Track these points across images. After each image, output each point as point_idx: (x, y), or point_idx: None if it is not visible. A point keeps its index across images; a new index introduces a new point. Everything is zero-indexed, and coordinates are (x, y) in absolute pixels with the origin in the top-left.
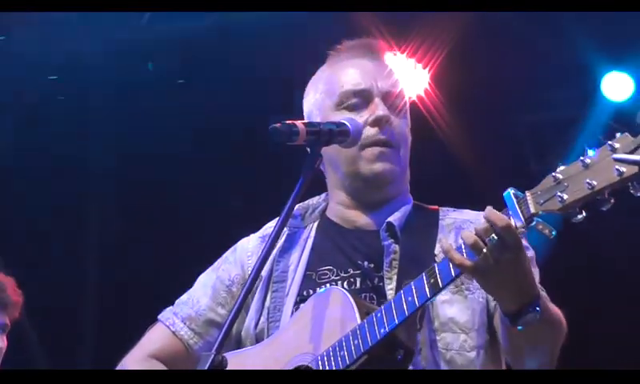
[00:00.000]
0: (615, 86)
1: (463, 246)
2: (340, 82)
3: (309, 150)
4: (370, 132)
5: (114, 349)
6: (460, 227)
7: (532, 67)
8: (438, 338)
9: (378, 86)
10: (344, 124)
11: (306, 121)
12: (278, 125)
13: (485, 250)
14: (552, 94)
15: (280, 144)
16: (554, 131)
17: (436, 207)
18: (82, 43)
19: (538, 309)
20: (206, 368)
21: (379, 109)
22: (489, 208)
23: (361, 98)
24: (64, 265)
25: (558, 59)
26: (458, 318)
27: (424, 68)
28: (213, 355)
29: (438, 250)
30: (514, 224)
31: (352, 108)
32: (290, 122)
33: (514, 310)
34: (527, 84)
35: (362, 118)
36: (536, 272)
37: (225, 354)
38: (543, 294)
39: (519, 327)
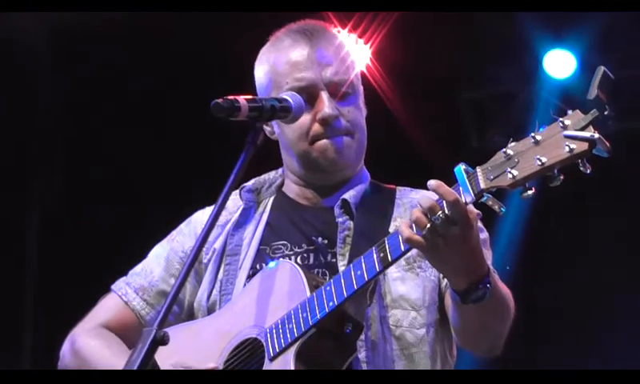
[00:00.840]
0: (558, 64)
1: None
2: (285, 77)
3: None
4: (318, 129)
5: (57, 324)
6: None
7: (474, 43)
8: (388, 314)
9: (323, 78)
10: (286, 100)
11: (249, 96)
12: (220, 100)
13: (429, 225)
14: (494, 70)
15: (223, 119)
16: (495, 107)
17: (393, 186)
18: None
19: (488, 286)
20: (147, 344)
21: (326, 106)
22: (438, 182)
23: (306, 94)
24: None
25: (500, 35)
26: (409, 295)
27: (365, 43)
28: (154, 330)
29: (392, 228)
30: (463, 199)
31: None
32: (232, 97)
33: (464, 288)
34: (468, 60)
35: (309, 113)
36: (488, 255)
37: (175, 326)
38: (494, 274)
39: (469, 304)
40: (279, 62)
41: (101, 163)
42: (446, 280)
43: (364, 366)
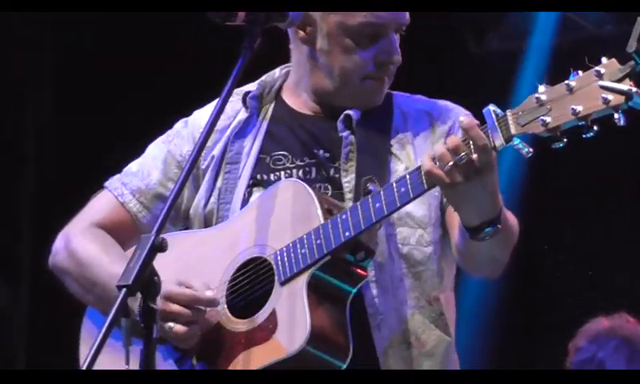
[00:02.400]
0: None
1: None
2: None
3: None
4: (375, 69)
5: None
6: (418, 118)
7: None
8: (395, 232)
9: (396, 21)
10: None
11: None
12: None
13: (451, 163)
14: None
15: (219, 24)
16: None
17: (389, 91)
18: None
19: (499, 226)
20: (146, 251)
21: (397, 52)
22: (471, 122)
23: (376, 31)
24: None
25: None
26: (415, 213)
27: None
28: (153, 237)
29: (393, 140)
30: (492, 143)
31: (364, 41)
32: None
33: (475, 226)
34: None
35: (369, 49)
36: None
37: (174, 233)
38: (504, 211)
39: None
40: None
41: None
42: None
43: (372, 286)
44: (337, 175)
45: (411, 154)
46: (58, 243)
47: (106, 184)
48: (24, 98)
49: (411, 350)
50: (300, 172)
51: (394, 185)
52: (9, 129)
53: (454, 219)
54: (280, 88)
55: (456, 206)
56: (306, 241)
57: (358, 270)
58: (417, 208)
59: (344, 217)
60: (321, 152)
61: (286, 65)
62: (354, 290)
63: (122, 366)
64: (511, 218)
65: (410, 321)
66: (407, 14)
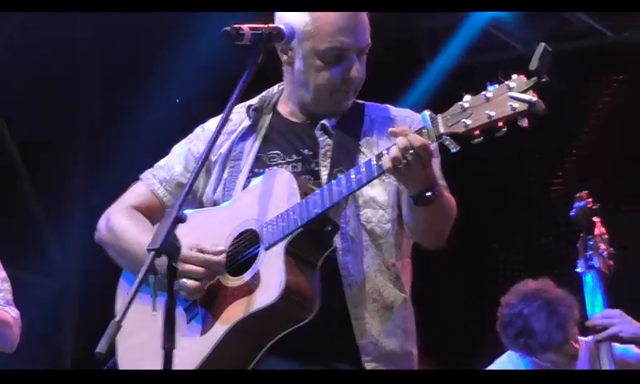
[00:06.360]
0: None
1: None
2: (328, 36)
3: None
4: (343, 85)
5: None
6: (383, 123)
7: None
8: (361, 212)
9: (358, 44)
10: (281, 28)
11: (252, 25)
12: (227, 28)
13: (403, 160)
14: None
15: (230, 45)
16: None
17: (362, 102)
18: None
19: (435, 193)
20: (170, 221)
21: (359, 71)
22: (407, 130)
23: (342, 54)
24: None
25: None
26: (378, 197)
27: None
28: (175, 211)
29: (362, 141)
30: (426, 139)
31: (331, 62)
32: (237, 26)
33: (417, 192)
34: None
35: (338, 68)
36: (439, 172)
37: (191, 210)
38: (443, 184)
39: (420, 206)
40: (325, 21)
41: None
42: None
43: (345, 254)
44: (317, 169)
45: (377, 152)
46: (101, 222)
47: (141, 176)
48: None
49: (375, 303)
50: (289, 166)
51: (352, 172)
52: None
53: (405, 195)
54: (277, 101)
55: (403, 183)
56: (285, 215)
57: (327, 240)
58: (379, 193)
59: (314, 197)
60: (305, 151)
61: (280, 83)
62: (323, 256)
63: (149, 314)
64: (449, 196)
65: (374, 281)
66: (367, 39)
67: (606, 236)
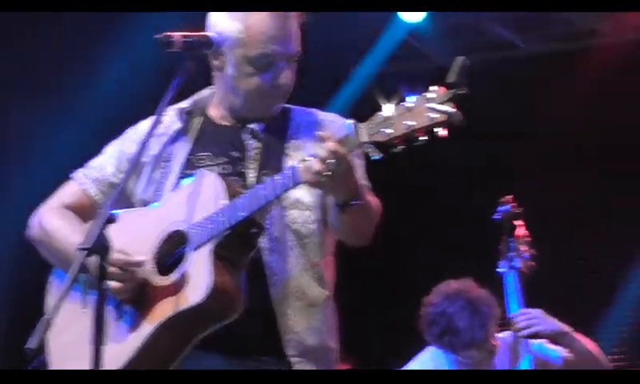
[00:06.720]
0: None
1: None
2: (260, 44)
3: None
4: (273, 92)
5: None
6: (309, 127)
7: None
8: (287, 213)
9: (289, 52)
10: (210, 37)
11: (183, 33)
12: (158, 36)
13: (325, 173)
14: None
15: (161, 51)
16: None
17: (290, 107)
18: None
19: (359, 202)
20: (101, 221)
21: (289, 79)
22: (329, 137)
23: (273, 61)
24: None
25: None
26: (304, 199)
27: None
28: (106, 212)
29: (289, 144)
30: (347, 148)
31: (261, 68)
32: (168, 33)
33: (342, 202)
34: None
35: (269, 74)
36: (363, 176)
37: (122, 210)
38: (366, 184)
39: (346, 213)
40: (255, 29)
41: None
42: None
43: (270, 254)
44: (244, 171)
45: (303, 156)
46: (33, 219)
47: (73, 175)
48: None
49: (299, 301)
50: (219, 168)
51: (276, 177)
52: None
53: (331, 201)
54: (207, 105)
55: (328, 192)
56: (213, 217)
57: (252, 241)
58: (304, 195)
59: (241, 200)
60: (234, 154)
61: (211, 86)
62: (248, 257)
63: (80, 312)
64: (373, 199)
65: (299, 280)
66: (296, 47)
67: (528, 238)
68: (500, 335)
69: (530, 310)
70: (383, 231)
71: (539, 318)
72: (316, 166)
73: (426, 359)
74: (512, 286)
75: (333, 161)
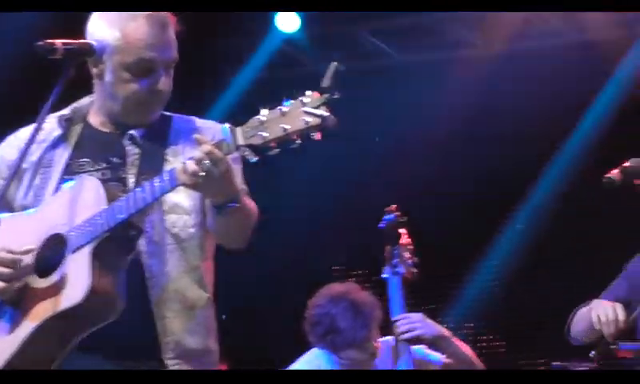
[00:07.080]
0: (286, 21)
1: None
2: (136, 51)
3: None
4: (150, 98)
5: None
6: (188, 133)
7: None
8: (166, 218)
9: (166, 59)
10: (92, 44)
11: (65, 40)
12: (41, 42)
13: (200, 173)
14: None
15: (45, 58)
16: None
17: (170, 114)
18: None
19: (236, 204)
20: None
21: (167, 85)
22: (204, 140)
23: (150, 67)
24: None
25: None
26: (183, 203)
27: None
28: None
29: (168, 150)
30: (224, 151)
31: (139, 74)
32: (50, 41)
33: (220, 204)
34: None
35: (146, 80)
36: (240, 180)
37: (3, 215)
38: (244, 188)
39: (223, 215)
40: (133, 36)
41: None
42: None
43: (149, 257)
44: (124, 176)
45: (182, 161)
46: None
47: None
48: None
49: (179, 303)
50: (99, 174)
51: (156, 179)
52: None
53: (209, 203)
54: (87, 112)
55: (205, 195)
56: (92, 220)
57: (131, 244)
58: (183, 199)
59: (119, 203)
60: (114, 159)
61: (91, 95)
62: (127, 259)
63: None
64: (250, 203)
65: (179, 282)
66: (174, 54)
67: (411, 246)
68: (383, 339)
69: (410, 314)
70: (267, 233)
71: (420, 322)
72: (192, 167)
73: (309, 360)
74: (395, 291)
75: (207, 162)
